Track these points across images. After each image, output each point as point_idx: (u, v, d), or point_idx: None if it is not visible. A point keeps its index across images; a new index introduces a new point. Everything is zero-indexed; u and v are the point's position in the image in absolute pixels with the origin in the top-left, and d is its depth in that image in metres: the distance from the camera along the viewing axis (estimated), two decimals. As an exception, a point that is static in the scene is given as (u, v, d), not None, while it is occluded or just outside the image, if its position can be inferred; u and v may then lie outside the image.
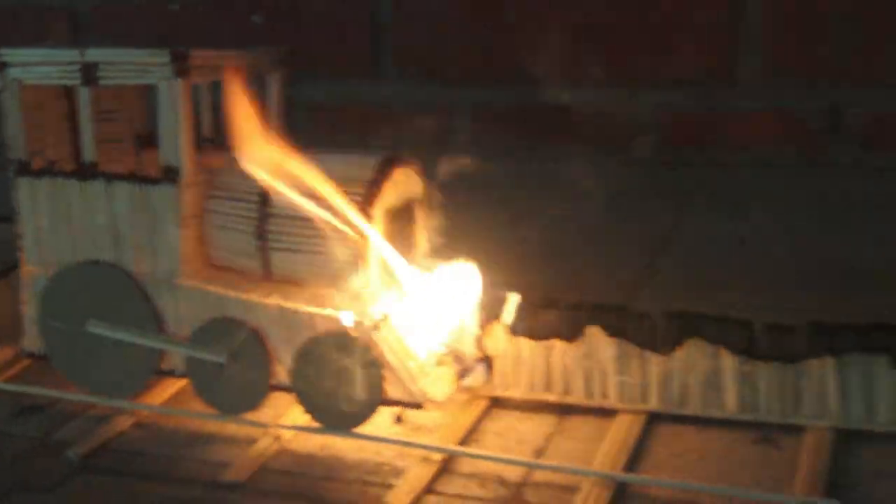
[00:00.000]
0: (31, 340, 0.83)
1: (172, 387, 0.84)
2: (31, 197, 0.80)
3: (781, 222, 1.21)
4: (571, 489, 0.68)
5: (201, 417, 0.79)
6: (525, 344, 0.78)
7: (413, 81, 1.39)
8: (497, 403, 0.80)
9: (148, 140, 0.89)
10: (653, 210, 1.26)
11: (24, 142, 0.80)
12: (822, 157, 1.35)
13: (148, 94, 0.88)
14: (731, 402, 0.74)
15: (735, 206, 1.26)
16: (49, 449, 0.77)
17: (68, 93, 0.83)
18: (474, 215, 0.94)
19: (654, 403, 0.76)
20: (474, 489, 0.69)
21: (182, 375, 0.79)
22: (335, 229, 0.74)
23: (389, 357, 0.72)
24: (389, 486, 0.69)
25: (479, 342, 0.78)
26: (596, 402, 0.77)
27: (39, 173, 0.80)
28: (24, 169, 0.80)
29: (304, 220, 0.75)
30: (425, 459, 0.72)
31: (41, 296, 0.80)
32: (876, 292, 0.99)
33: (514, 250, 0.95)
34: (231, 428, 0.78)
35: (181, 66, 0.74)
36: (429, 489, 0.69)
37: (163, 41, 1.44)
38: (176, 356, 0.79)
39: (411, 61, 1.40)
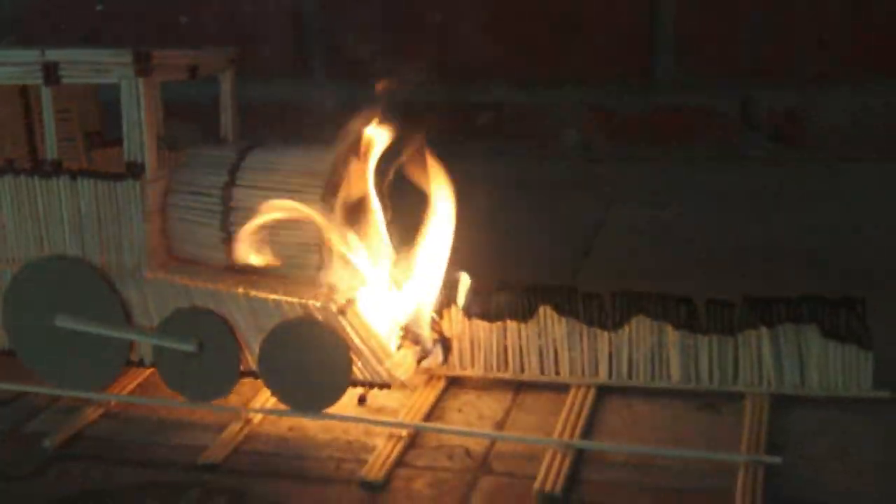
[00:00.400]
0: (-2, 336, 0.84)
1: (138, 377, 0.85)
2: (-6, 195, 0.81)
3: (701, 212, 1.27)
4: (534, 458, 0.72)
5: (172, 405, 0.81)
6: (480, 325, 0.81)
7: (342, 82, 1.42)
8: (455, 383, 0.84)
9: (98, 139, 0.91)
10: (580, 204, 1.31)
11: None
12: (736, 151, 1.42)
13: (99, 92, 0.91)
14: (675, 374, 0.79)
15: (657, 198, 1.32)
16: (20, 440, 0.78)
17: (23, 92, 0.84)
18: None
19: (603, 377, 0.80)
20: (443, 461, 0.73)
21: (151, 365, 0.81)
22: (298, 220, 0.77)
23: (355, 340, 0.76)
24: (362, 462, 0.73)
25: (436, 325, 0.81)
26: (549, 377, 0.81)
27: (1, 172, 0.81)
28: (-15, 168, 0.81)
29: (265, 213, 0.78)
30: (392, 436, 0.75)
31: (6, 292, 0.81)
32: (789, 272, 1.06)
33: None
34: (200, 414, 0.80)
35: (143, 66, 0.76)
36: (400, 462, 0.73)
37: (85, 40, 1.45)
38: (144, 347, 0.81)
39: (339, 62, 1.43)
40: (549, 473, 0.69)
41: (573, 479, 0.70)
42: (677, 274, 1.04)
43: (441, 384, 0.83)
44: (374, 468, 0.71)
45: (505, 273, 0.88)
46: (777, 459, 0.68)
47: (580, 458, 0.72)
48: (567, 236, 1.20)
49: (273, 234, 0.78)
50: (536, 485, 0.68)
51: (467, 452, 0.74)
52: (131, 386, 0.85)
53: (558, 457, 0.71)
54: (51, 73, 0.77)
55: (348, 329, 0.75)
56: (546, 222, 1.25)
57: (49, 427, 0.79)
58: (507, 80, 1.47)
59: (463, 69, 1.41)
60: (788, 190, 1.32)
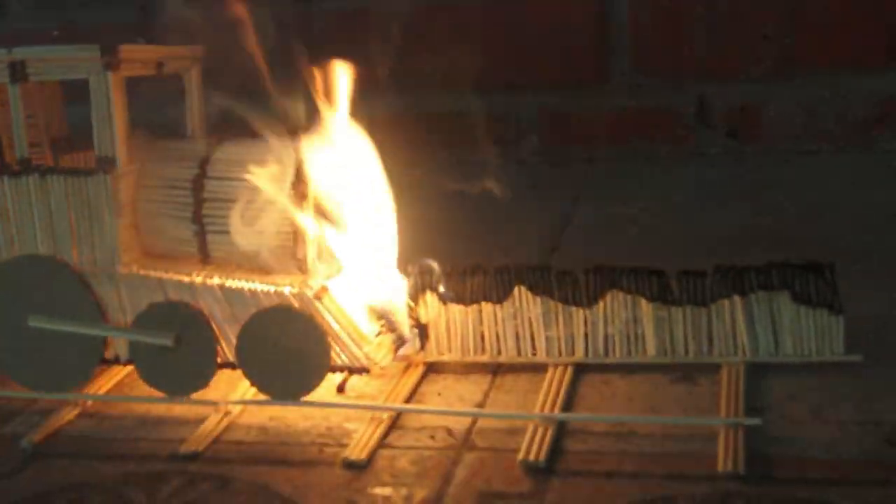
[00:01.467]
0: (-29, 341, 0.83)
1: (114, 375, 0.85)
2: (-38, 197, 0.81)
3: (663, 205, 1.29)
4: (516, 433, 0.72)
5: (149, 401, 0.80)
6: (456, 309, 0.82)
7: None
8: (432, 368, 0.84)
9: (66, 145, 0.91)
10: (544, 203, 1.32)
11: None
12: (693, 147, 1.44)
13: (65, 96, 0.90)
14: (651, 348, 0.79)
15: (620, 195, 1.33)
16: (-2, 442, 0.77)
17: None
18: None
19: (580, 355, 0.81)
20: (425, 441, 0.73)
21: (127, 362, 0.80)
22: (270, 209, 0.77)
23: (333, 325, 0.76)
24: (344, 445, 0.72)
25: (412, 311, 0.81)
26: (526, 359, 0.82)
27: (-30, 173, 0.80)
28: (-45, 170, 0.80)
29: (239, 203, 0.78)
30: (374, 419, 0.75)
31: (-23, 294, 0.81)
32: (754, 252, 1.07)
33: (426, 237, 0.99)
34: (179, 409, 0.80)
35: (110, 60, 0.76)
36: (382, 444, 0.73)
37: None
38: (119, 343, 0.80)
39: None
40: (533, 445, 0.70)
41: (556, 450, 0.70)
42: (647, 261, 1.04)
43: (419, 370, 0.83)
44: (357, 449, 0.71)
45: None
46: (757, 420, 0.69)
47: (562, 431, 0.72)
48: (534, 235, 1.21)
49: (247, 222, 0.78)
50: (520, 455, 0.68)
51: (449, 431, 0.74)
52: (108, 384, 0.84)
53: (540, 430, 0.71)
54: (18, 70, 0.77)
55: (325, 314, 0.75)
56: (511, 224, 1.25)
57: (26, 429, 0.79)
58: (464, 88, 1.48)
59: (422, 78, 1.42)
60: (746, 182, 1.34)
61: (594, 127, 1.45)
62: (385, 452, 0.72)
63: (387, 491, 0.67)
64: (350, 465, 0.70)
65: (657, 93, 1.43)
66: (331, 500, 0.67)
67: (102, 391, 0.83)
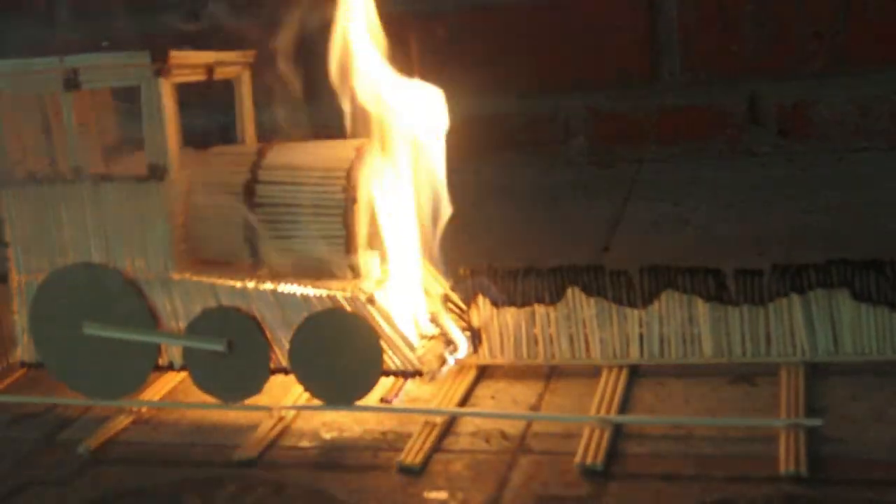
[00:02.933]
0: (27, 350, 0.83)
1: (168, 382, 0.85)
2: (16, 206, 0.81)
3: (714, 205, 1.27)
4: (572, 436, 0.72)
5: (202, 408, 0.80)
6: (508, 311, 0.81)
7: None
8: (485, 372, 0.83)
9: (118, 152, 0.91)
10: (594, 204, 1.31)
11: (5, 152, 0.81)
12: (744, 146, 1.42)
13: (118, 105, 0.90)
14: (707, 349, 0.78)
15: (670, 195, 1.31)
16: (54, 449, 0.78)
17: (42, 103, 0.84)
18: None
19: (635, 357, 0.80)
20: (480, 444, 0.73)
21: (181, 368, 0.80)
22: (322, 213, 0.77)
23: (385, 328, 0.75)
24: (399, 450, 0.72)
25: (463, 315, 0.81)
26: (580, 361, 0.81)
27: (23, 182, 0.80)
28: (8, 178, 0.81)
29: (292, 208, 0.78)
30: (427, 423, 0.74)
31: (32, 303, 0.81)
32: (807, 252, 1.06)
33: (476, 239, 0.98)
34: (233, 415, 0.80)
35: (161, 66, 0.76)
36: (437, 448, 0.72)
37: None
38: (173, 350, 0.80)
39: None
40: (589, 448, 0.69)
41: (614, 453, 0.69)
42: (699, 261, 1.03)
43: (472, 374, 0.82)
44: (412, 453, 0.71)
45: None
46: (818, 421, 0.68)
47: (618, 434, 0.72)
48: (584, 236, 1.19)
49: (297, 228, 0.78)
50: (577, 458, 0.67)
51: (504, 435, 0.74)
52: (162, 391, 0.84)
53: (597, 432, 0.70)
54: (71, 79, 0.78)
55: (378, 318, 0.75)
56: (560, 224, 1.24)
57: (82, 435, 0.79)
58: (511, 89, 1.47)
59: (467, 81, 1.41)
60: (798, 181, 1.32)
61: (643, 127, 1.43)
62: (440, 457, 0.71)
63: (442, 495, 0.66)
64: (405, 470, 0.70)
65: (707, 91, 1.41)
66: (387, 505, 0.66)
67: (157, 398, 0.83)
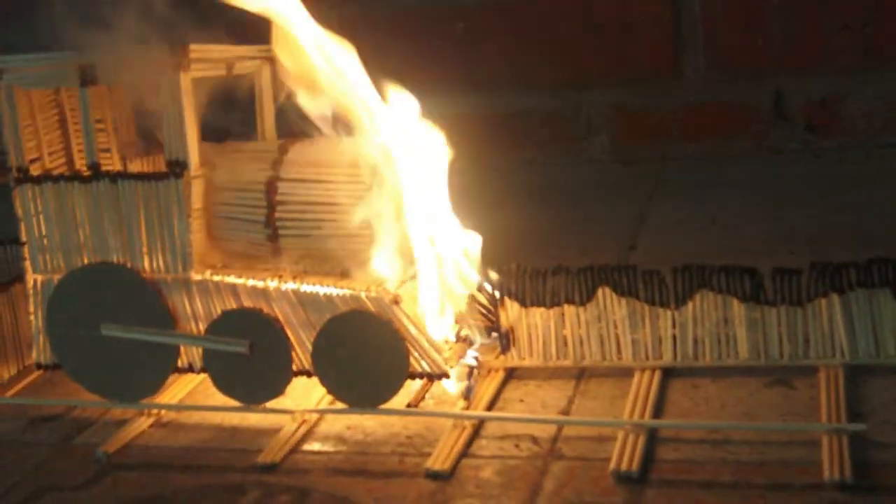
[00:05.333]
0: (42, 352, 0.82)
1: (187, 383, 0.83)
2: (33, 203, 0.79)
3: (740, 203, 1.25)
4: (605, 440, 0.69)
5: (223, 410, 0.78)
6: (537, 312, 0.79)
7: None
8: (513, 374, 0.82)
9: (135, 150, 0.89)
10: (618, 202, 1.29)
11: (22, 148, 0.79)
12: (770, 143, 1.40)
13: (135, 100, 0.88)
14: (743, 350, 0.76)
15: (695, 193, 1.29)
16: (72, 452, 0.77)
17: (59, 100, 0.82)
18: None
19: (668, 359, 0.77)
20: (510, 450, 0.71)
21: (201, 370, 0.78)
22: (346, 211, 0.75)
23: (411, 329, 0.73)
24: (426, 455, 0.70)
25: (493, 315, 0.79)
26: (611, 362, 0.79)
27: (40, 179, 0.79)
28: (25, 176, 0.79)
29: (315, 205, 0.76)
30: (456, 427, 0.72)
31: (49, 302, 0.79)
32: (839, 252, 1.03)
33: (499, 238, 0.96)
34: (254, 418, 0.78)
35: (181, 60, 0.74)
36: (466, 453, 0.70)
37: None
38: (193, 352, 0.78)
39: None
40: (624, 453, 0.66)
41: (649, 458, 0.67)
42: (727, 259, 1.01)
43: (500, 375, 0.80)
44: (440, 459, 0.69)
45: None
46: (862, 426, 0.65)
47: (653, 439, 0.69)
48: (609, 234, 1.17)
49: (321, 225, 0.76)
50: (612, 465, 0.65)
51: (534, 440, 0.71)
52: (181, 393, 0.82)
53: (631, 437, 0.68)
54: (87, 74, 0.76)
55: (403, 319, 0.73)
56: (585, 223, 1.22)
57: (100, 438, 0.78)
58: (533, 86, 1.45)
59: (489, 78, 1.39)
60: (826, 178, 1.30)
61: (667, 124, 1.41)
62: (469, 462, 0.69)
63: (473, 503, 0.64)
64: (433, 476, 0.68)
65: (732, 87, 1.39)
66: (415, 513, 0.64)
67: (176, 400, 0.81)
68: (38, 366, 0.83)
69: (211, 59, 0.78)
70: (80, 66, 0.76)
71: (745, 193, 1.27)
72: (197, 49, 0.76)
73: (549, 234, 1.16)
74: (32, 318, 0.82)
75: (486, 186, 1.07)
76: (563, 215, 1.25)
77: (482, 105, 1.42)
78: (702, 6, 1.39)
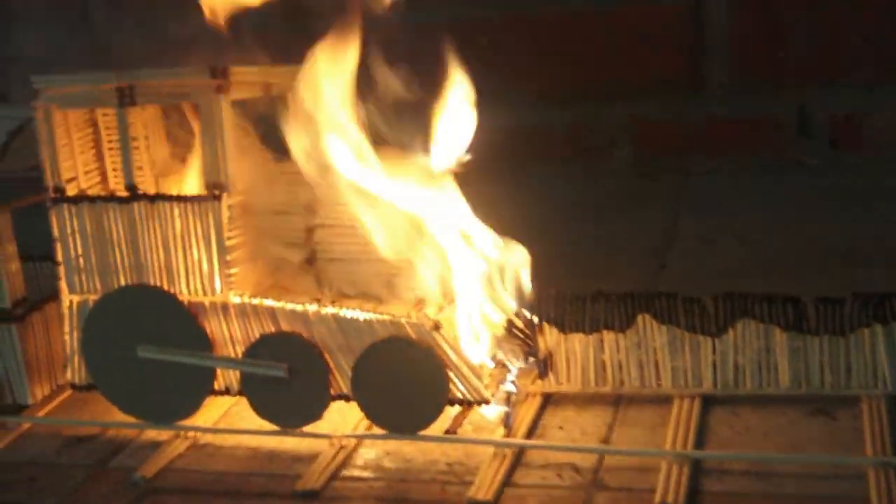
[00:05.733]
0: (77, 372, 0.81)
1: (222, 405, 0.83)
2: (69, 223, 0.79)
3: (764, 218, 1.25)
4: (648, 471, 0.69)
5: (261, 434, 0.78)
6: (576, 338, 0.79)
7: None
8: (550, 400, 0.81)
9: (167, 168, 0.89)
10: (642, 217, 1.28)
11: (59, 168, 0.78)
12: (793, 157, 1.40)
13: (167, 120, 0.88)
14: (784, 379, 0.76)
15: (719, 208, 1.29)
16: (108, 475, 0.76)
17: (93, 118, 0.82)
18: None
19: (708, 387, 0.77)
20: (552, 479, 0.70)
21: (238, 394, 0.78)
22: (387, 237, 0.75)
23: (451, 356, 0.73)
24: (468, 483, 0.70)
25: (532, 340, 0.78)
26: (651, 389, 0.78)
27: (77, 199, 0.78)
28: (62, 196, 0.79)
29: (354, 230, 0.76)
30: (497, 455, 0.72)
31: (86, 323, 0.79)
32: (866, 268, 1.03)
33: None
34: (291, 442, 0.78)
35: (222, 83, 0.74)
36: (508, 482, 0.70)
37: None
38: (229, 375, 0.78)
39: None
40: (669, 485, 0.66)
41: (693, 489, 0.67)
42: (757, 277, 1.01)
43: (537, 401, 0.80)
44: (483, 488, 0.69)
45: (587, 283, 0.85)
46: (911, 460, 0.65)
47: (697, 470, 0.69)
48: (634, 250, 1.17)
49: (360, 253, 0.76)
50: (657, 498, 0.65)
51: (576, 469, 0.71)
52: (216, 415, 0.82)
53: (675, 468, 0.68)
54: (125, 95, 0.75)
55: (443, 345, 0.73)
56: (609, 239, 1.22)
57: (136, 461, 0.77)
58: (557, 99, 1.45)
59: (512, 91, 1.38)
60: (850, 193, 1.29)
61: (690, 137, 1.40)
62: (511, 492, 0.69)
63: (519, 536, 0.64)
64: None
65: (755, 101, 1.39)
66: (459, 545, 0.64)
67: (211, 423, 0.81)
68: (73, 386, 0.82)
69: (249, 80, 0.78)
70: (119, 88, 0.76)
71: (769, 208, 1.27)
72: (237, 71, 0.75)
73: (575, 251, 1.16)
74: (67, 338, 0.81)
75: (508, 201, 1.05)
76: (588, 230, 1.24)
77: (503, 118, 1.41)
78: (727, 19, 1.38)
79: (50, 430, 0.83)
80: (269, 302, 0.76)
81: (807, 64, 1.37)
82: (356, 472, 0.73)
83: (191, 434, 0.79)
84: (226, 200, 0.76)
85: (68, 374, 0.82)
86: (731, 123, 1.40)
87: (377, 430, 0.76)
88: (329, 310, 0.75)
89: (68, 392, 0.87)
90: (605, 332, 0.78)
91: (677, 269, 1.09)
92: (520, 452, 0.73)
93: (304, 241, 0.77)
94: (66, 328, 0.81)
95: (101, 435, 0.82)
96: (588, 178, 1.41)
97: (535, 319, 0.78)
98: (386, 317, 0.74)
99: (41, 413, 0.85)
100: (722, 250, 1.15)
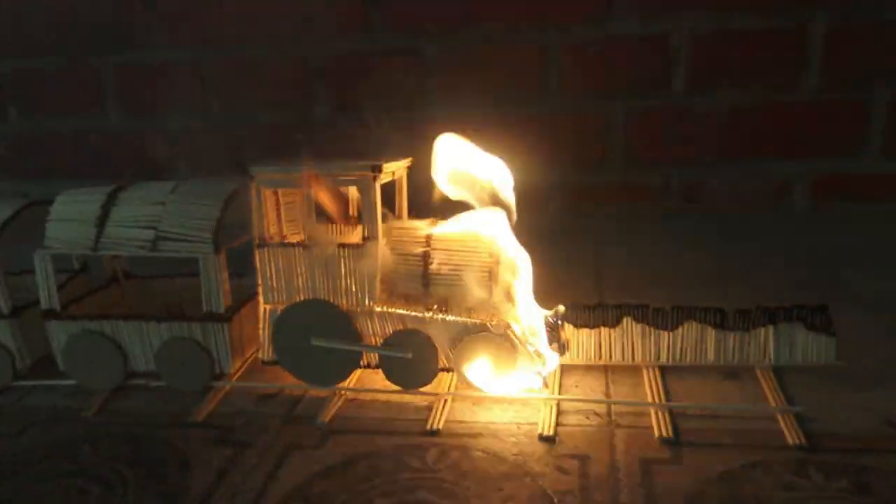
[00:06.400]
0: (265, 352, 0.84)
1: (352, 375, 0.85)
2: (267, 260, 0.81)
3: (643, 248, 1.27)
4: (642, 415, 0.75)
5: (392, 393, 0.81)
6: (584, 331, 0.84)
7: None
8: (564, 369, 0.86)
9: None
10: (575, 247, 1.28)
11: (263, 225, 0.80)
12: (660, 208, 1.44)
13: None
14: (710, 356, 0.82)
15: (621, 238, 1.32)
16: (297, 420, 0.78)
17: (275, 192, 0.84)
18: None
19: (664, 360, 0.83)
20: (584, 421, 0.75)
21: (376, 367, 0.81)
22: (475, 270, 0.78)
23: (519, 345, 0.77)
24: (533, 424, 0.74)
25: (558, 332, 0.83)
26: (627, 363, 0.84)
27: (273, 245, 0.80)
28: (263, 242, 0.81)
29: (454, 266, 0.79)
30: (545, 406, 0.77)
31: (278, 322, 0.81)
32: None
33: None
34: (408, 398, 0.81)
35: (376, 173, 0.77)
36: (558, 423, 0.75)
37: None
38: (371, 356, 0.81)
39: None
40: (661, 424, 0.72)
41: (675, 427, 0.72)
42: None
43: (557, 370, 0.84)
44: (546, 427, 0.73)
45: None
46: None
47: (672, 414, 0.75)
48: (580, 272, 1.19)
49: (458, 278, 0.79)
50: (656, 433, 0.71)
51: (597, 413, 0.76)
52: (351, 382, 0.84)
53: (660, 413, 0.73)
54: (312, 180, 0.78)
55: (513, 338, 0.77)
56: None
57: (313, 411, 0.79)
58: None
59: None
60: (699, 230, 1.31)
61: (600, 194, 1.43)
62: (562, 430, 0.74)
63: (576, 456, 0.69)
64: (545, 439, 0.72)
65: (638, 173, 1.43)
66: (543, 463, 0.68)
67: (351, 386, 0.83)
68: (263, 362, 0.84)
69: (388, 170, 0.81)
70: (306, 175, 0.78)
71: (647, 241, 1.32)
72: (385, 164, 0.78)
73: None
74: (261, 332, 0.83)
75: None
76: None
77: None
78: (624, 131, 1.43)
79: (242, 391, 0.83)
80: (399, 311, 0.80)
81: (672, 151, 1.42)
82: (457, 416, 0.77)
83: (341, 393, 0.82)
84: (374, 247, 0.79)
85: (260, 354, 0.84)
86: (624, 186, 1.44)
87: (469, 391, 0.80)
88: (439, 315, 0.79)
89: (244, 365, 0.87)
90: (601, 328, 0.84)
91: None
92: (557, 403, 0.78)
93: (422, 276, 0.80)
94: (261, 325, 0.83)
95: (280, 394, 0.83)
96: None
97: (560, 321, 0.83)
98: (476, 320, 0.78)
99: (236, 378, 0.86)
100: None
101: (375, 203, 0.77)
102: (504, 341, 0.77)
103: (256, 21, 1.37)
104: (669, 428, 0.71)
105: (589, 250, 1.26)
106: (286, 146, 1.40)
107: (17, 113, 1.55)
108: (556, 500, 0.63)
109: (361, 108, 1.31)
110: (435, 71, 1.34)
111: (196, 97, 1.42)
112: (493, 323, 0.78)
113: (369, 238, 0.79)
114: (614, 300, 0.85)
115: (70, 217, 0.82)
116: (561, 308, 0.82)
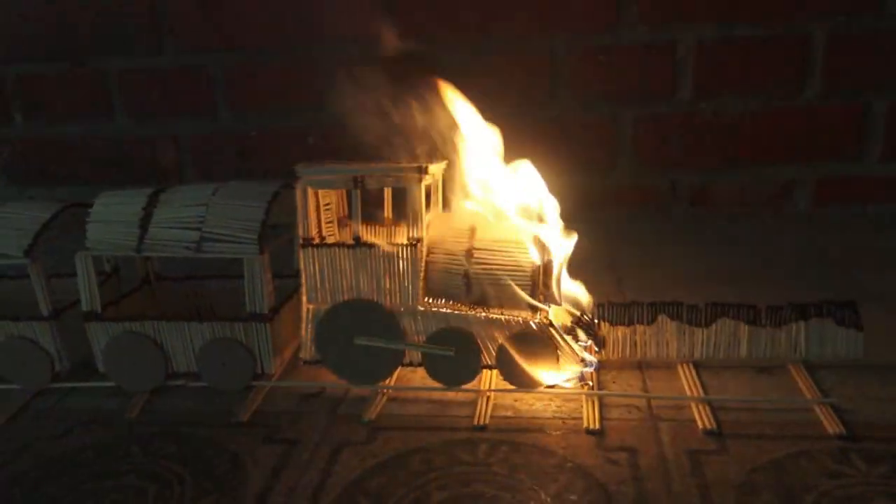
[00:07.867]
0: (307, 352, 0.85)
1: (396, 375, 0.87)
2: (310, 260, 0.82)
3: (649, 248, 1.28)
4: (682, 408, 0.77)
5: (433, 390, 0.83)
6: (619, 328, 0.86)
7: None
8: (601, 366, 0.88)
9: (345, 221, 0.92)
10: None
11: (308, 225, 0.82)
12: (670, 211, 1.47)
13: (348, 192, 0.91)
14: (743, 352, 0.84)
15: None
16: (343, 419, 0.79)
17: (316, 193, 0.85)
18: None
19: (698, 357, 0.85)
20: (626, 415, 0.77)
21: (418, 365, 0.83)
22: (516, 271, 0.80)
23: (560, 342, 0.79)
24: (577, 419, 0.76)
25: (597, 329, 0.85)
26: (663, 359, 0.86)
27: (318, 245, 0.82)
28: (307, 242, 0.82)
29: (495, 265, 0.81)
30: (587, 400, 0.79)
31: (320, 322, 0.82)
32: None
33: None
34: (450, 395, 0.82)
35: (422, 175, 0.78)
36: (603, 417, 0.76)
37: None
38: (414, 354, 0.82)
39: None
40: (703, 416, 0.74)
41: (716, 419, 0.74)
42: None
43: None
44: (591, 421, 0.75)
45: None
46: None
47: (711, 407, 0.77)
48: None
49: (500, 277, 0.81)
50: (700, 425, 0.73)
51: (638, 408, 0.78)
52: (391, 381, 0.85)
53: (700, 406, 0.76)
54: (357, 181, 0.79)
55: (555, 335, 0.79)
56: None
57: (357, 409, 0.80)
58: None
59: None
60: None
61: (609, 196, 1.46)
62: (606, 424, 0.76)
63: (624, 448, 0.71)
64: (591, 432, 0.74)
65: (648, 177, 1.46)
66: (593, 455, 0.70)
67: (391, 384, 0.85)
68: (305, 362, 0.85)
69: (431, 173, 0.82)
70: (353, 177, 0.79)
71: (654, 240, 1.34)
72: (429, 167, 0.80)
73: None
74: (304, 332, 0.84)
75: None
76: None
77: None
78: (632, 140, 1.46)
79: (284, 391, 0.84)
80: (443, 309, 0.81)
81: (679, 158, 1.46)
82: (501, 412, 0.79)
83: (384, 391, 0.83)
84: (419, 248, 0.80)
85: (302, 353, 0.85)
86: (635, 189, 1.47)
87: (508, 386, 0.82)
88: (481, 313, 0.81)
89: (282, 364, 0.88)
90: (637, 325, 0.86)
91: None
92: (599, 399, 0.80)
93: (465, 273, 0.81)
94: (303, 325, 0.84)
95: (322, 393, 0.84)
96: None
97: (597, 319, 0.86)
98: (518, 318, 0.80)
99: (276, 378, 0.86)
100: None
101: (420, 204, 0.79)
102: (546, 339, 0.79)
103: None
104: (712, 420, 0.74)
105: (604, 252, 1.28)
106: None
107: (22, 118, 1.55)
108: (611, 490, 0.65)
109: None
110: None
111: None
112: (535, 320, 0.80)
113: (415, 239, 0.80)
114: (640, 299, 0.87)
115: (112, 219, 0.83)
116: (589, 298, 0.83)
